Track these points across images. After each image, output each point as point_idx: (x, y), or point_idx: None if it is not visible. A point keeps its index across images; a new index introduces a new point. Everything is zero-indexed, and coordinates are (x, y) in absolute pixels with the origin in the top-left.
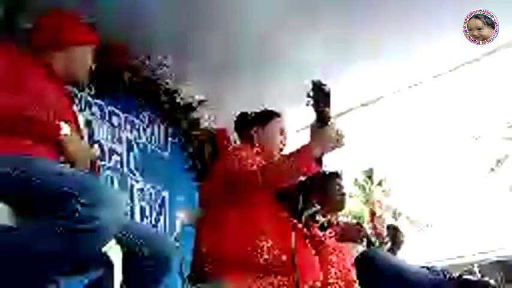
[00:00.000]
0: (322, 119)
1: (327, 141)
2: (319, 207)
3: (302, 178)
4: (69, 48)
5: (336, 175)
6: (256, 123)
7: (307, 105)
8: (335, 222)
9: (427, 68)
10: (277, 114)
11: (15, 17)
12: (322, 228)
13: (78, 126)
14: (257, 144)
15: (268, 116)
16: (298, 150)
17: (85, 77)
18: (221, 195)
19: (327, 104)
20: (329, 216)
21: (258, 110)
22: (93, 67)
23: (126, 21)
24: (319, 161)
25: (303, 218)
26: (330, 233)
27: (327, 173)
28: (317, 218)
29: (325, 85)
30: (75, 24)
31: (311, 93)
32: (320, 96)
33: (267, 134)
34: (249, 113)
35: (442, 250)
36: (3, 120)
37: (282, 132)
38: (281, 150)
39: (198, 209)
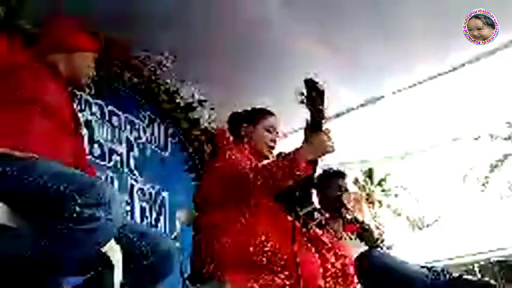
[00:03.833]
0: (318, 118)
1: (319, 146)
2: (315, 205)
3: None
4: (74, 52)
5: (337, 174)
6: (245, 122)
7: (301, 103)
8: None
9: (427, 68)
10: (267, 112)
11: (16, 17)
12: (320, 225)
13: (79, 126)
14: (247, 144)
15: (256, 114)
16: (290, 154)
17: (87, 82)
18: (219, 196)
19: (322, 102)
20: (327, 214)
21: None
22: (94, 74)
23: (126, 21)
24: (313, 162)
25: (300, 216)
26: (330, 229)
27: (329, 172)
28: (315, 215)
29: (318, 83)
30: (80, 31)
31: (304, 92)
32: (314, 94)
33: (256, 132)
34: (241, 112)
35: (442, 250)
36: None
37: (272, 130)
38: (272, 148)
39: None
